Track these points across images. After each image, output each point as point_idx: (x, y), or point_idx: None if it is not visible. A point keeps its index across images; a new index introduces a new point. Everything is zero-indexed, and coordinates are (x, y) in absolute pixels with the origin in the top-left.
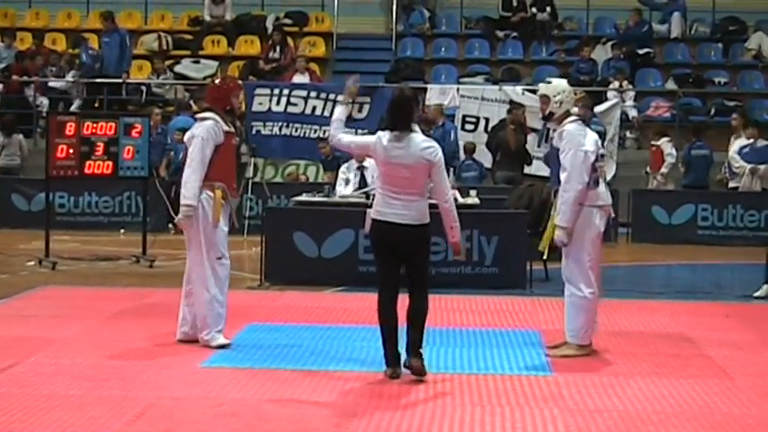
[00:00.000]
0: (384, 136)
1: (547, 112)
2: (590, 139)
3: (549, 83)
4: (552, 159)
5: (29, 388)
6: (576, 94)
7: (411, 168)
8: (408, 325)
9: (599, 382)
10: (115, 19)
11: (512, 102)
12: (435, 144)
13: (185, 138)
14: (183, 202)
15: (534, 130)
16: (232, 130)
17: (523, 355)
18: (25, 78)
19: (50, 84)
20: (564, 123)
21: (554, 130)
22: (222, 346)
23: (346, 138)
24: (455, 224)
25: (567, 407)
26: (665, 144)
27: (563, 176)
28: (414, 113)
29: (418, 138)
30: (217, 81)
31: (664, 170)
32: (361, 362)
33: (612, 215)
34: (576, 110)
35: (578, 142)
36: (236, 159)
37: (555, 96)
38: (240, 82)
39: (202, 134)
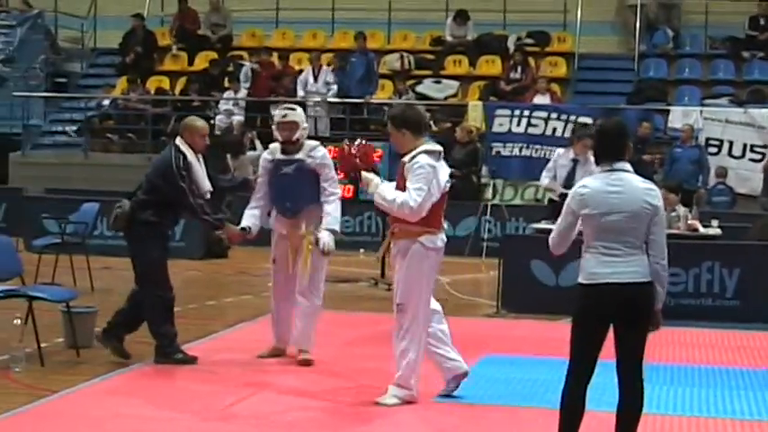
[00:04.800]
0: (590, 183)
1: (294, 137)
2: None
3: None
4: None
5: (262, 420)
6: None
7: (632, 216)
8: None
9: None
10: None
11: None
12: (654, 186)
13: None
14: None
15: None
16: None
17: (764, 399)
18: (272, 98)
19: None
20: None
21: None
22: None
23: (558, 240)
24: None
25: None
26: None
27: None
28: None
29: (634, 177)
30: None
31: None
32: (597, 400)
33: None
34: None
35: None
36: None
37: (304, 124)
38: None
39: None
